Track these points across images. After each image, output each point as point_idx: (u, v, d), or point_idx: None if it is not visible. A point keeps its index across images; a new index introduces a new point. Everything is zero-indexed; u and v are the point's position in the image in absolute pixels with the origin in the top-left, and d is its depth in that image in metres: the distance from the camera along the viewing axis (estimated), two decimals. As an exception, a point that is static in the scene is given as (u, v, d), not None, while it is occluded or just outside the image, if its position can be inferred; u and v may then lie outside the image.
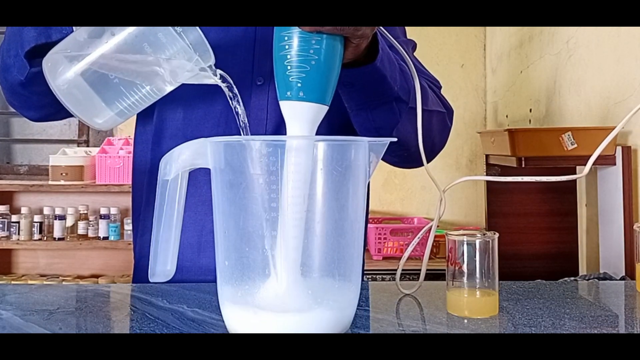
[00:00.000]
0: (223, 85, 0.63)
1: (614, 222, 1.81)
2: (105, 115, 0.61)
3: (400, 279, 0.80)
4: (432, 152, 0.92)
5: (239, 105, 0.64)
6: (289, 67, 0.62)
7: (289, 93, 0.62)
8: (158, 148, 0.92)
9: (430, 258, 0.83)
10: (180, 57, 0.59)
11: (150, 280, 0.64)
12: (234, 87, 0.64)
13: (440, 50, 3.16)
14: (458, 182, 0.78)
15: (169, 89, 0.62)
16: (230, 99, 0.64)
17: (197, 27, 0.59)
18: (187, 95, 0.89)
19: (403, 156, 0.90)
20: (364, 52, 0.69)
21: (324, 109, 0.64)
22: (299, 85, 0.62)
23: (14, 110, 0.95)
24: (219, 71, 0.63)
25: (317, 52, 0.62)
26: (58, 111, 0.89)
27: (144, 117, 0.96)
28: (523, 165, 1.83)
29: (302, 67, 0.61)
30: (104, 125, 0.62)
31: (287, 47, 0.62)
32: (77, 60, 0.59)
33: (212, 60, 0.61)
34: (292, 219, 0.58)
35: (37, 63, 0.79)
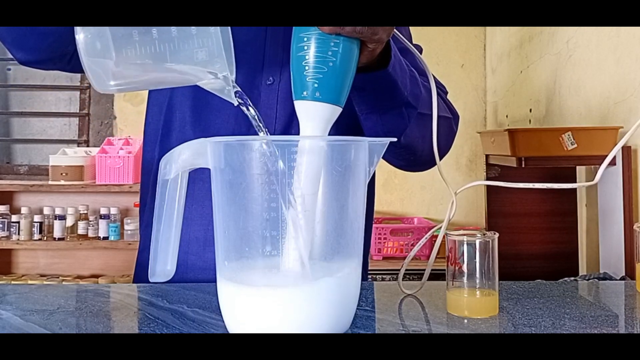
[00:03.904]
0: (244, 108, 0.63)
1: (614, 222, 1.81)
2: (108, 81, 0.59)
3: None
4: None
5: (262, 129, 0.64)
6: (306, 68, 0.63)
7: (305, 93, 0.63)
8: (167, 140, 0.93)
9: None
10: (213, 63, 0.58)
11: (150, 280, 0.64)
12: (252, 107, 0.63)
13: (440, 50, 3.16)
14: (470, 186, 0.78)
15: (181, 84, 0.61)
16: (253, 118, 0.63)
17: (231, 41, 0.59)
18: (197, 88, 0.90)
19: (410, 160, 0.91)
20: (377, 58, 0.70)
21: (338, 110, 0.65)
22: (316, 85, 0.63)
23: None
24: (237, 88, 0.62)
25: (335, 54, 0.63)
26: (51, 59, 0.84)
27: (155, 107, 0.97)
28: (523, 165, 1.84)
29: (320, 68, 0.63)
30: (101, 87, 0.60)
31: (305, 47, 0.63)
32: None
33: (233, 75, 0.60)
34: (298, 220, 0.58)
35: None
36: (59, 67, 0.88)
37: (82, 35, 0.57)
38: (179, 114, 0.92)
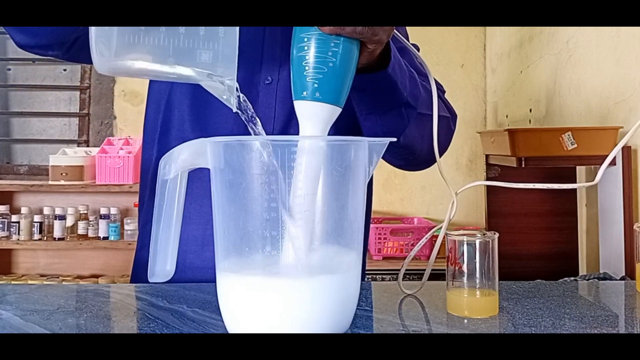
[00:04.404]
0: (243, 116, 0.63)
1: (614, 222, 1.81)
2: (108, 62, 0.58)
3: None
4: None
5: (257, 130, 0.64)
6: (306, 68, 0.63)
7: (305, 93, 0.64)
8: (166, 138, 0.93)
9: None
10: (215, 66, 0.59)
11: (150, 280, 0.64)
12: (255, 115, 0.64)
13: (440, 50, 3.16)
14: (471, 186, 0.78)
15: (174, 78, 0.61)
16: (250, 125, 0.64)
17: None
18: (196, 87, 0.90)
19: (409, 159, 0.91)
20: (377, 59, 0.71)
21: (338, 110, 0.65)
22: (316, 85, 0.63)
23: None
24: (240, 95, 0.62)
25: (335, 55, 0.63)
26: (51, 45, 0.82)
27: (154, 104, 0.97)
28: (523, 166, 1.83)
29: (320, 69, 0.63)
30: (101, 68, 0.59)
31: (306, 47, 0.63)
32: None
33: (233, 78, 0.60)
34: (297, 219, 0.58)
35: None
36: (57, 54, 0.85)
37: None
38: (177, 112, 0.92)
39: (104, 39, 0.58)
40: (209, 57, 0.59)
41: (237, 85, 0.61)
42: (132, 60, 0.59)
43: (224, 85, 0.61)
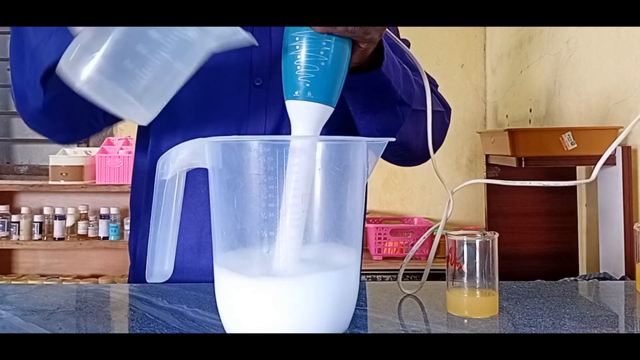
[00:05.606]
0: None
1: (614, 222, 1.81)
2: (134, 106, 0.56)
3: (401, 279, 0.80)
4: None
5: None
6: (298, 67, 0.63)
7: (296, 92, 0.63)
8: (157, 150, 0.92)
9: (430, 258, 0.83)
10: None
11: (148, 280, 0.64)
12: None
13: (440, 50, 3.15)
14: (468, 184, 0.78)
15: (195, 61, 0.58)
16: None
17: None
18: (188, 92, 0.89)
19: (404, 156, 0.91)
20: (370, 58, 0.70)
21: (330, 110, 0.64)
22: (308, 85, 0.62)
23: (15, 110, 0.92)
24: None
25: (327, 54, 0.63)
26: (85, 129, 0.90)
27: None
28: (523, 166, 1.83)
29: (312, 68, 0.62)
30: (140, 117, 0.57)
31: (297, 47, 0.63)
32: (92, 52, 0.54)
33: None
34: (291, 220, 0.58)
35: (51, 86, 0.72)
36: (93, 131, 0.92)
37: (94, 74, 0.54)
38: (169, 117, 0.92)
39: (126, 105, 0.56)
40: (196, 31, 0.56)
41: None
42: (156, 88, 0.57)
43: (230, 37, 0.58)
